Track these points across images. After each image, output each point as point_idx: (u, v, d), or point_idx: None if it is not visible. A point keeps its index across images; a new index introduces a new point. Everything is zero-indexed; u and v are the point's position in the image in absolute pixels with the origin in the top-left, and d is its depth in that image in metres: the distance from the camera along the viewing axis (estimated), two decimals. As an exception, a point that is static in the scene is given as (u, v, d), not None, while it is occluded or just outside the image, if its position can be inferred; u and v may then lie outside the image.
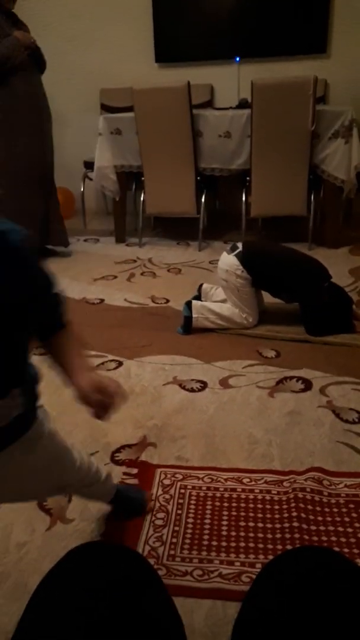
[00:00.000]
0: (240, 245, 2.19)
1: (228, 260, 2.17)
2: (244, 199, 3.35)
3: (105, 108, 4.24)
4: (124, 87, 3.98)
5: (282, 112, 2.99)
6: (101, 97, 4.29)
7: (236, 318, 2.20)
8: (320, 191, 3.32)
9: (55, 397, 1.78)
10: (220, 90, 4.09)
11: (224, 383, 1.84)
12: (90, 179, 3.76)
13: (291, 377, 1.86)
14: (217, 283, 2.36)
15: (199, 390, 1.80)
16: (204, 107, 3.82)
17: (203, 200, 3.38)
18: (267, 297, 2.37)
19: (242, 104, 3.39)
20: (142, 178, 3.44)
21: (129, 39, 4.13)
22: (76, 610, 0.45)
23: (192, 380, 1.86)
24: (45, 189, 3.19)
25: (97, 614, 0.44)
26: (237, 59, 3.80)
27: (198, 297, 2.40)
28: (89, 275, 3.05)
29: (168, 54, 4.07)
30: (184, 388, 1.81)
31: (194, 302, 2.26)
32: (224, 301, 2.29)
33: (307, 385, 1.81)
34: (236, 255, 2.15)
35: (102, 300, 2.66)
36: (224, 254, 2.22)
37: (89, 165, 3.77)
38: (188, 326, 2.23)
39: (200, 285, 2.44)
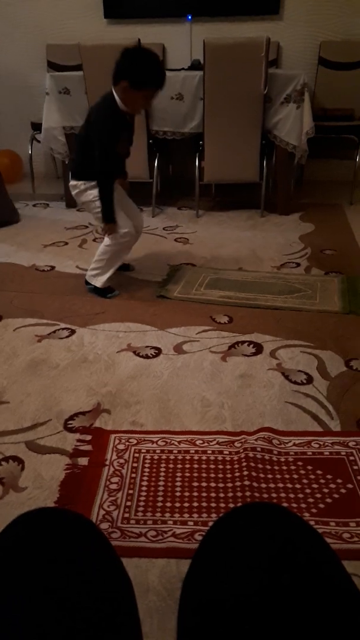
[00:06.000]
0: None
1: (71, 185, 2.18)
2: (197, 164, 3.31)
3: (53, 66, 4.05)
4: (71, 43, 3.81)
5: (234, 74, 2.94)
6: (48, 54, 4.09)
7: (114, 245, 2.17)
8: (272, 157, 3.32)
9: (6, 367, 1.75)
10: (172, 51, 3.98)
11: (178, 349, 1.85)
12: (38, 141, 3.61)
13: (243, 342, 1.89)
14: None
15: (153, 356, 1.80)
16: (156, 68, 3.71)
17: (156, 164, 3.32)
18: (221, 263, 2.37)
19: (195, 65, 3.31)
20: (93, 141, 3.33)
21: (76, -9, 3.94)
22: (20, 578, 0.45)
23: (147, 347, 1.86)
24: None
25: (42, 581, 0.44)
26: (189, 17, 3.69)
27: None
28: (39, 241, 2.96)
29: (118, 9, 3.91)
30: (138, 355, 1.81)
31: (86, 275, 2.28)
32: None
33: (258, 349, 1.84)
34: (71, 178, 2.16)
35: (52, 267, 2.60)
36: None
37: (37, 126, 3.62)
38: (101, 293, 2.25)
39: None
